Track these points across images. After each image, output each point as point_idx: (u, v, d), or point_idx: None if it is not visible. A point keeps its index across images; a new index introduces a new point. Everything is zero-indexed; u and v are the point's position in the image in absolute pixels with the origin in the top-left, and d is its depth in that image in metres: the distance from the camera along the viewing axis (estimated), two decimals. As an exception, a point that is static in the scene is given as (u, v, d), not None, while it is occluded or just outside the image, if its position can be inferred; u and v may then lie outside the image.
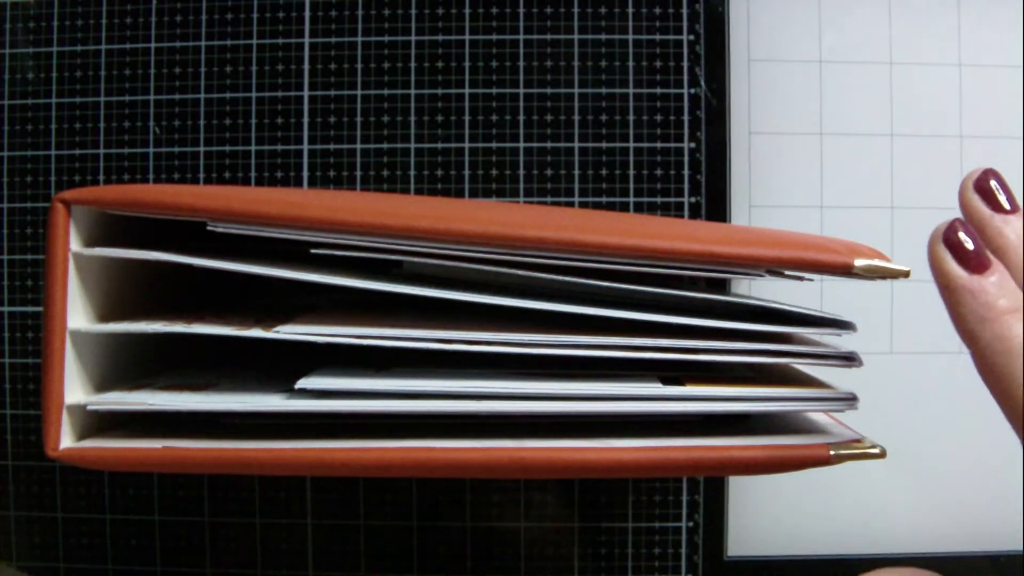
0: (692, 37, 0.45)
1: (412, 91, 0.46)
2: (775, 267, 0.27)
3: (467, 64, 0.46)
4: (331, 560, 0.46)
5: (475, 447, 0.27)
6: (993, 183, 0.26)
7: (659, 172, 0.45)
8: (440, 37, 0.46)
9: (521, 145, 0.46)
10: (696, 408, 0.27)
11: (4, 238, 0.46)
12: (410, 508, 0.46)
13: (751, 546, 0.46)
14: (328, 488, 0.46)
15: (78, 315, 0.28)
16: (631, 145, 0.45)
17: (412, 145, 0.46)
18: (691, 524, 0.46)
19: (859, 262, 0.26)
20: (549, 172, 0.46)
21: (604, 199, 0.46)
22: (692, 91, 0.45)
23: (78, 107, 0.46)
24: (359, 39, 0.46)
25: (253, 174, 0.46)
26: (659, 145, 0.45)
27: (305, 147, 0.46)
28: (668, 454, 0.27)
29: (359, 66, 0.46)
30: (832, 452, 0.27)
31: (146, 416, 0.30)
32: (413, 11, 0.46)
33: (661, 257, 0.26)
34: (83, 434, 0.28)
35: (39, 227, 0.46)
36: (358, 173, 0.46)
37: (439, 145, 0.46)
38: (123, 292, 0.31)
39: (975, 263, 0.24)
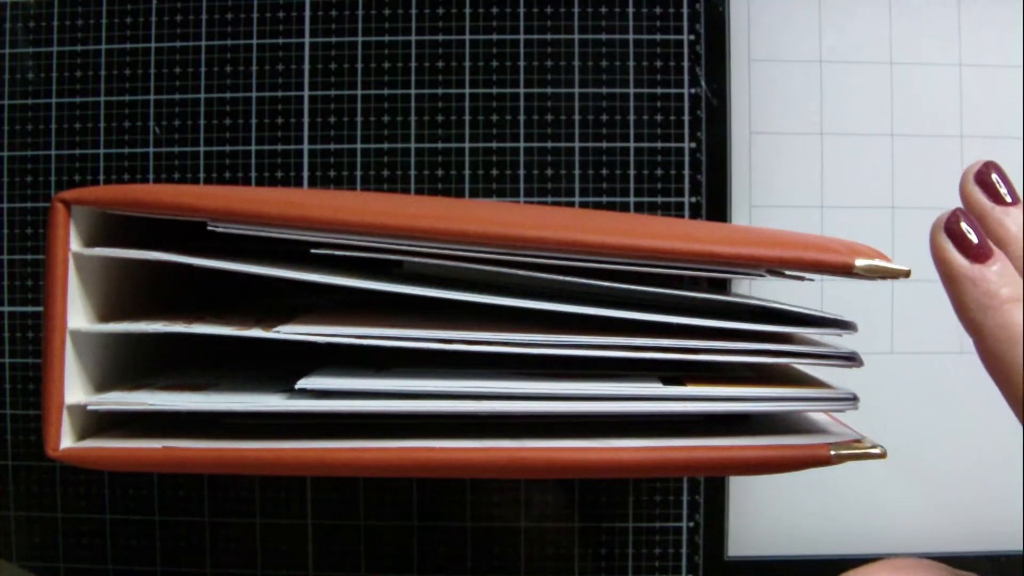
0: (692, 37, 0.45)
1: (412, 91, 0.46)
2: (775, 267, 0.27)
3: (467, 64, 0.46)
4: (331, 560, 0.46)
5: (475, 447, 0.27)
6: (994, 175, 0.26)
7: (659, 172, 0.45)
8: (440, 37, 0.46)
9: (521, 145, 0.46)
10: (696, 408, 0.27)
11: (4, 238, 0.46)
12: (410, 508, 0.46)
13: (751, 546, 0.46)
14: (328, 488, 0.46)
15: (78, 315, 0.28)
16: (631, 145, 0.45)
17: (412, 145, 0.46)
18: (691, 524, 0.46)
19: (859, 262, 0.26)
20: (549, 172, 0.46)
21: (604, 199, 0.46)
22: (692, 91, 0.45)
23: (78, 107, 0.46)
24: (359, 39, 0.46)
25: (253, 174, 0.46)
26: (659, 145, 0.45)
27: (305, 147, 0.46)
28: (668, 454, 0.27)
29: (359, 66, 0.46)
30: (832, 452, 0.27)
31: (146, 416, 0.30)
32: (413, 11, 0.46)
33: (661, 257, 0.26)
34: (83, 434, 0.28)
35: (39, 227, 0.46)
36: (358, 173, 0.46)
37: (439, 145, 0.46)
38: (123, 292, 0.31)
39: (977, 252, 0.24)
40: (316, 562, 0.46)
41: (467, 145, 0.46)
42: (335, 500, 0.46)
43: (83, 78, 0.46)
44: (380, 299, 0.28)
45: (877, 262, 0.26)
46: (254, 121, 0.46)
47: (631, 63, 0.45)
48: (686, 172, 0.45)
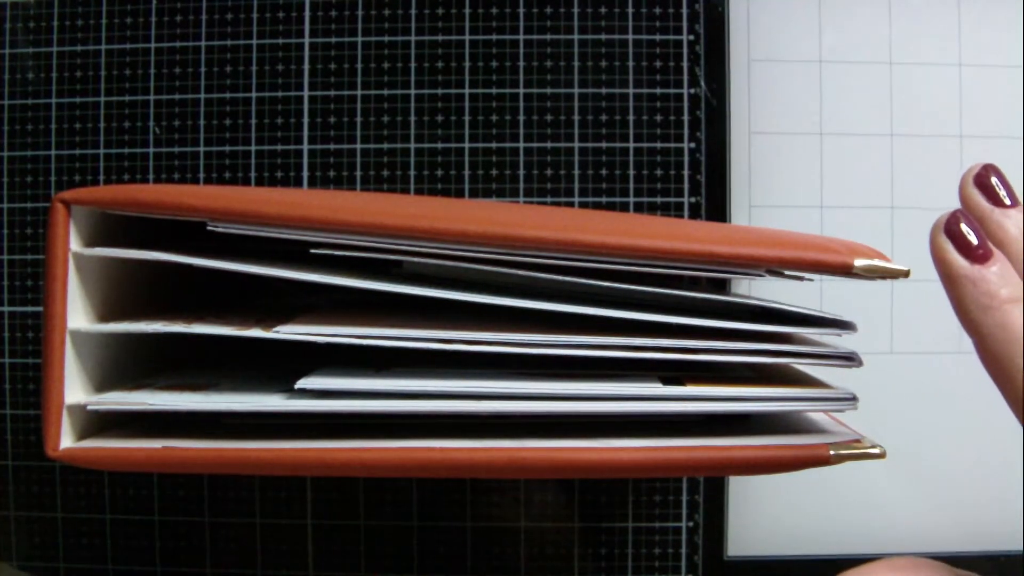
0: (692, 37, 0.45)
1: (412, 91, 0.46)
2: (775, 267, 0.27)
3: (467, 64, 0.46)
4: (331, 560, 0.46)
5: (475, 447, 0.27)
6: (993, 178, 0.26)
7: (659, 172, 0.45)
8: (440, 37, 0.46)
9: (521, 145, 0.46)
10: (696, 408, 0.27)
11: (4, 238, 0.46)
12: (410, 508, 0.46)
13: (751, 546, 0.46)
14: (328, 488, 0.46)
15: (78, 315, 0.28)
16: (631, 145, 0.45)
17: (412, 145, 0.46)
18: (691, 524, 0.46)
19: (859, 262, 0.26)
20: (549, 172, 0.46)
21: (604, 199, 0.46)
22: (692, 91, 0.45)
23: (78, 107, 0.46)
24: (359, 39, 0.46)
25: (253, 174, 0.46)
26: (659, 145, 0.45)
27: (305, 147, 0.46)
28: (668, 454, 0.27)
29: (359, 66, 0.46)
30: (832, 452, 0.27)
31: (146, 416, 0.30)
32: (413, 11, 0.46)
33: (661, 257, 0.26)
34: (83, 434, 0.28)
35: (39, 227, 0.46)
36: (358, 173, 0.46)
37: (439, 145, 0.46)
38: (123, 292, 0.31)
39: (977, 253, 0.24)
40: (316, 562, 0.46)
41: (467, 145, 0.46)
42: (335, 500, 0.46)
43: (83, 78, 0.46)
44: (380, 299, 0.28)
45: (877, 262, 0.26)
46: (254, 121, 0.46)
47: (631, 63, 0.46)
48: (686, 172, 0.45)
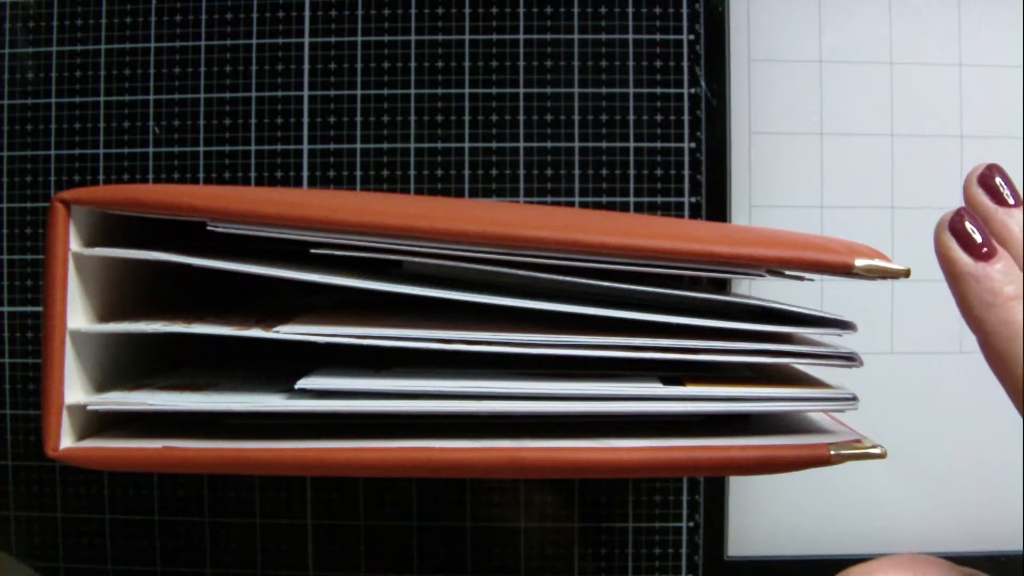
0: (692, 37, 0.45)
1: (412, 91, 0.46)
2: (775, 267, 0.27)
3: (467, 64, 0.46)
4: (331, 560, 0.46)
5: (475, 447, 0.27)
6: (997, 178, 0.26)
7: (659, 172, 0.45)
8: (440, 37, 0.46)
9: (521, 145, 0.46)
10: (696, 408, 0.27)
11: (4, 238, 0.46)
12: (410, 508, 0.46)
13: (751, 546, 0.46)
14: (328, 488, 0.46)
15: (78, 315, 0.28)
16: (631, 145, 0.45)
17: (412, 145, 0.46)
18: (691, 524, 0.46)
19: (859, 262, 0.26)
20: (549, 172, 0.46)
21: (604, 199, 0.46)
22: (692, 91, 0.45)
23: (78, 107, 0.46)
24: (359, 39, 0.46)
25: (253, 174, 0.46)
26: (659, 145, 0.45)
27: (305, 147, 0.46)
28: (668, 454, 0.27)
29: (359, 66, 0.46)
30: (832, 452, 0.27)
31: (146, 416, 0.30)
32: (413, 11, 0.46)
33: (661, 257, 0.26)
34: (83, 434, 0.28)
35: (39, 227, 0.46)
36: (358, 173, 0.46)
37: (439, 145, 0.46)
38: (123, 292, 0.31)
39: (981, 251, 0.25)
40: (316, 562, 0.46)
41: (467, 145, 0.46)
42: (335, 500, 0.46)
43: (83, 78, 0.46)
44: (380, 299, 0.28)
45: (877, 262, 0.26)
46: (254, 121, 0.46)
47: (631, 63, 0.45)
48: (686, 172, 0.45)
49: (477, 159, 0.46)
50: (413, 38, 0.46)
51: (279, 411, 0.27)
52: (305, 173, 0.46)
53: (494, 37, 0.46)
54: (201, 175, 0.46)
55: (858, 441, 0.28)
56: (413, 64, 0.46)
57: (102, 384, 0.30)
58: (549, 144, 0.46)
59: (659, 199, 0.45)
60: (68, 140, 0.46)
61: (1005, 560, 0.45)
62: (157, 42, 0.46)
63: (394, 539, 0.46)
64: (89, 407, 0.28)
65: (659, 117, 0.45)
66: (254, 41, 0.46)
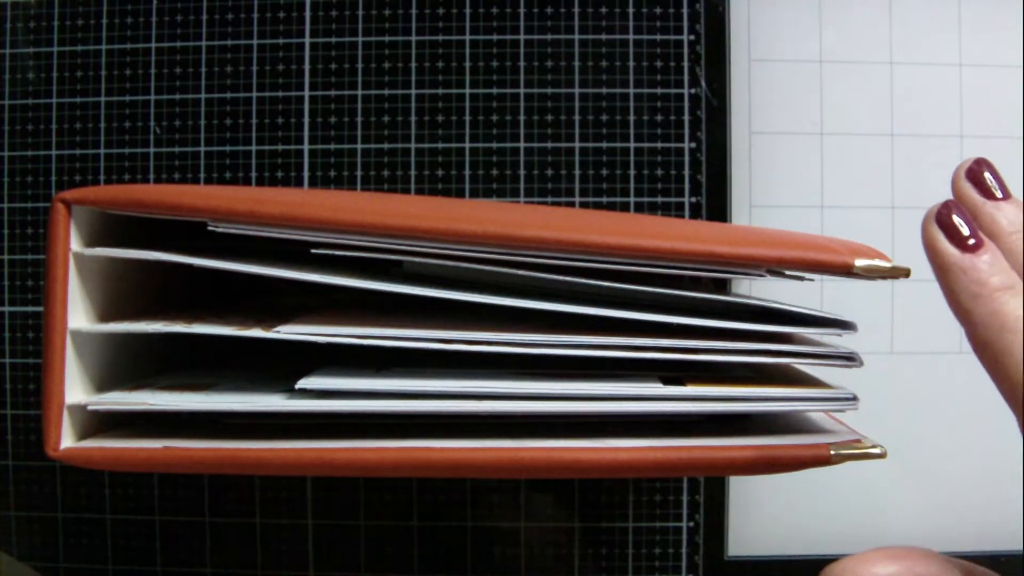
0: (692, 37, 0.45)
1: (412, 91, 0.46)
2: (776, 267, 0.27)
3: (467, 64, 0.46)
4: (331, 560, 0.46)
5: (475, 447, 0.27)
6: (985, 172, 0.26)
7: (659, 172, 0.45)
8: (440, 37, 0.46)
9: (521, 145, 0.46)
10: (696, 408, 0.27)
11: (4, 238, 0.46)
12: (410, 508, 0.46)
13: (751, 546, 0.46)
14: (328, 488, 0.46)
15: (78, 315, 0.28)
16: (631, 145, 0.45)
17: (412, 145, 0.46)
18: (691, 524, 0.46)
19: (859, 262, 0.26)
20: (549, 172, 0.46)
21: (604, 199, 0.46)
22: (692, 91, 0.45)
23: (78, 107, 0.46)
24: (359, 39, 0.46)
25: (253, 174, 0.46)
26: (659, 145, 0.45)
27: (305, 147, 0.46)
28: (668, 454, 0.27)
29: (359, 66, 0.46)
30: (832, 452, 0.27)
31: (147, 416, 0.30)
32: (413, 11, 0.46)
33: (661, 257, 0.26)
34: (83, 434, 0.28)
35: (39, 227, 0.46)
36: (358, 173, 0.46)
37: (439, 145, 0.46)
38: (123, 292, 0.31)
39: (967, 243, 0.24)
40: (316, 562, 0.46)
41: (467, 145, 0.46)
42: (335, 500, 0.46)
43: (83, 78, 0.46)
44: (380, 299, 0.28)
45: (877, 262, 0.26)
46: (254, 121, 0.46)
47: (631, 63, 0.46)
48: (686, 172, 0.45)
49: (477, 159, 0.46)
50: (414, 38, 0.46)
51: (279, 411, 0.27)
52: (306, 173, 0.46)
53: (494, 37, 0.46)
54: (202, 175, 0.46)
55: (858, 441, 0.28)
56: (413, 64, 0.46)
57: (102, 384, 0.30)
58: (549, 144, 0.46)
59: (659, 199, 0.45)
60: (69, 140, 0.46)
61: (1005, 560, 0.45)
62: (158, 42, 0.46)
63: (394, 539, 0.46)
64: (89, 407, 0.28)
65: (659, 117, 0.45)
66: (255, 41, 0.46)
